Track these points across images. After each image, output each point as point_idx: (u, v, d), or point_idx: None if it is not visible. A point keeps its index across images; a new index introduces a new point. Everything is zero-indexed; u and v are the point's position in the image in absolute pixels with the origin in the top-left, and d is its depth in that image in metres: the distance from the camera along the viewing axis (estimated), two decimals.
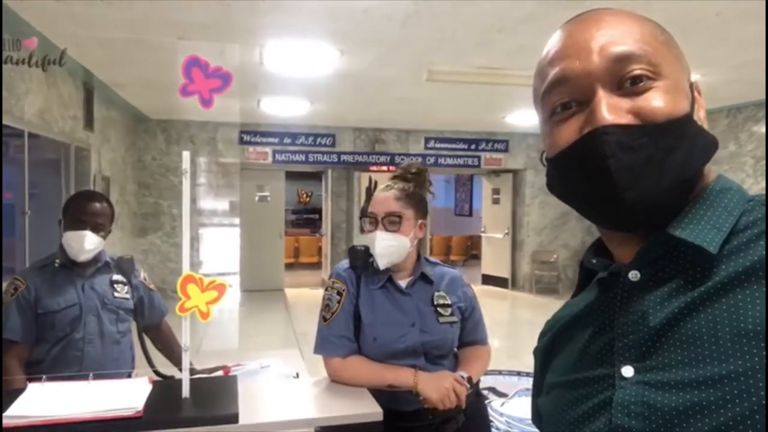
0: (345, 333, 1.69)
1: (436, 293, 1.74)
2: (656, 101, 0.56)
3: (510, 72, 4.93)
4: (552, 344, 0.68)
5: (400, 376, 1.61)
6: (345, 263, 1.82)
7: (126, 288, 2.21)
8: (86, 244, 2.04)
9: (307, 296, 8.77)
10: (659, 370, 0.51)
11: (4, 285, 2.08)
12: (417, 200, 1.73)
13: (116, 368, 2.05)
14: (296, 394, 1.66)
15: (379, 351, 1.67)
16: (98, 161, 5.83)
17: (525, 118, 7.51)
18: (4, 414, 1.30)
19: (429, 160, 8.86)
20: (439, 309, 1.72)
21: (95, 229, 2.07)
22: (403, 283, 1.75)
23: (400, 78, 5.28)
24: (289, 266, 10.58)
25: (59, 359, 2.00)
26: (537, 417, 0.71)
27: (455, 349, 1.77)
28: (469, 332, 1.78)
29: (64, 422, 1.28)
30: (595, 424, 0.55)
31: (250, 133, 8.23)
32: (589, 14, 0.62)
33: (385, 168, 8.66)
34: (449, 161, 9.00)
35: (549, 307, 7.81)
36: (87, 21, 3.73)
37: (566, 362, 0.64)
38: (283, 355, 2.79)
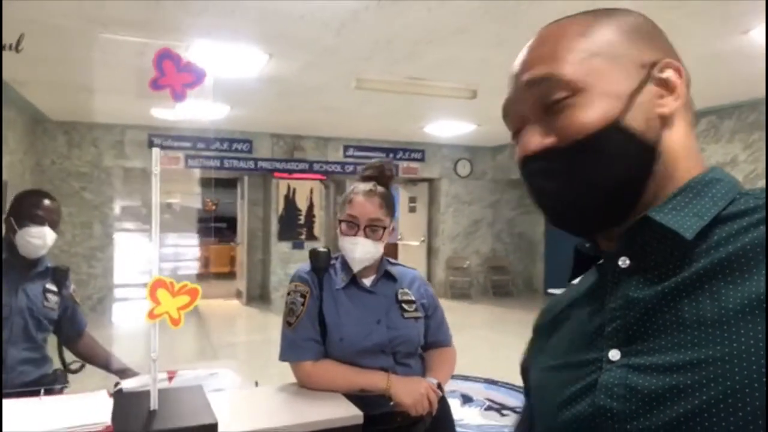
0: (312, 336, 1.67)
1: (400, 290, 1.76)
2: (573, 118, 0.57)
3: (435, 83, 5.07)
4: (552, 324, 0.69)
5: (373, 379, 1.61)
6: (306, 266, 1.79)
7: (56, 299, 2.14)
8: (48, 239, 1.98)
9: (221, 307, 8.47)
10: (644, 353, 0.53)
11: None
12: (392, 204, 1.74)
13: (35, 371, 2.05)
14: (269, 402, 1.60)
15: (346, 351, 1.65)
16: None
17: (442, 128, 7.74)
18: None
19: (348, 168, 8.90)
20: (403, 305, 1.74)
21: (52, 225, 2.01)
22: (367, 281, 1.75)
23: (328, 85, 5.26)
24: (199, 276, 10.17)
25: None
26: (527, 392, 0.73)
27: (421, 350, 1.79)
28: (434, 332, 1.81)
29: None
30: (580, 405, 0.56)
31: (161, 137, 7.83)
32: (537, 34, 0.64)
33: (304, 175, 8.58)
34: (359, 171, 9.05)
35: (462, 311, 8.06)
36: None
37: (559, 345, 0.65)
38: (209, 367, 2.66)
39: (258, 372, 2.51)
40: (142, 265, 9.29)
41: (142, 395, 1.42)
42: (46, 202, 2.09)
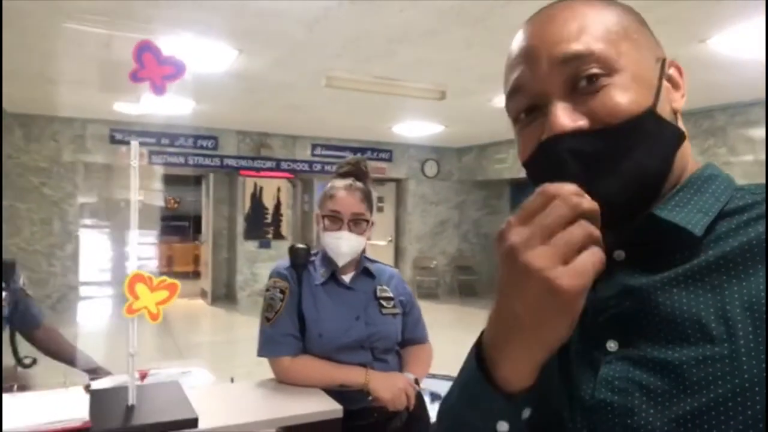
0: (291, 331, 1.67)
1: (379, 287, 1.79)
2: (611, 100, 0.55)
3: (405, 84, 5.11)
4: None
5: (351, 375, 1.62)
6: (284, 262, 1.79)
7: (3, 294, 2.05)
8: None
9: (185, 307, 8.32)
10: (642, 346, 0.52)
11: None
12: (371, 200, 1.76)
13: None
14: (248, 397, 1.60)
15: (325, 347, 1.66)
16: None
17: (410, 129, 7.79)
18: None
19: (315, 167, 8.86)
20: (381, 301, 1.76)
21: None
22: (346, 278, 1.76)
23: (297, 82, 5.24)
24: (162, 275, 9.95)
25: None
26: None
27: (398, 347, 1.81)
28: (411, 329, 1.84)
29: None
30: (579, 396, 0.55)
31: (123, 132, 7.65)
32: (544, 11, 0.61)
33: (270, 173, 8.51)
34: (335, 168, 9.03)
35: (429, 310, 8.10)
36: None
37: None
38: (179, 366, 2.63)
39: (226, 372, 2.48)
40: (101, 263, 9.08)
41: (119, 391, 1.41)
42: None
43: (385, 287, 1.79)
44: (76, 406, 1.29)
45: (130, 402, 1.35)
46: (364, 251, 1.81)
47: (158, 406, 1.37)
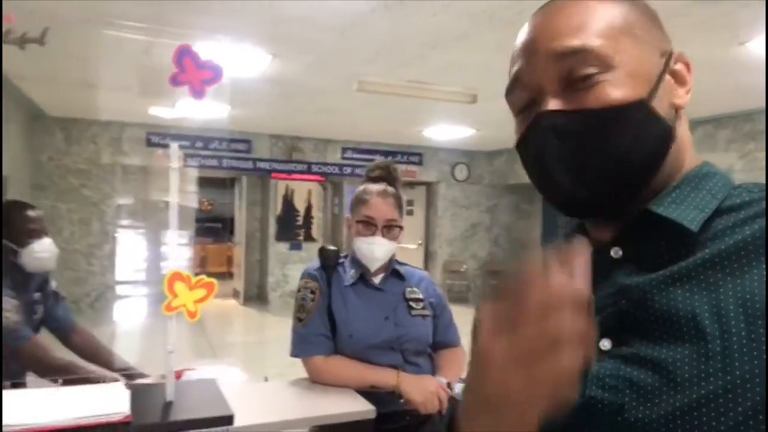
0: (323, 331, 1.69)
1: (408, 288, 1.80)
2: (603, 95, 0.55)
3: (436, 87, 5.11)
4: None
5: (383, 376, 1.64)
6: (315, 263, 1.82)
7: (41, 308, 2.13)
8: (53, 249, 1.99)
9: (218, 307, 8.46)
10: (637, 343, 0.51)
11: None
12: (402, 205, 1.78)
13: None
14: (281, 395, 1.63)
15: (355, 347, 1.68)
16: None
17: (441, 132, 7.78)
18: None
19: (346, 170, 8.92)
20: (411, 303, 1.77)
21: (47, 234, 2.01)
22: (376, 279, 1.78)
23: (329, 87, 5.29)
24: (197, 276, 10.14)
25: None
26: None
27: (429, 350, 1.82)
28: (442, 332, 1.84)
29: (50, 430, 1.19)
30: None
31: (159, 135, 7.83)
32: (553, 3, 0.61)
33: (302, 176, 8.60)
34: (365, 172, 9.07)
35: (460, 314, 8.05)
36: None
37: None
38: (212, 364, 2.68)
39: (258, 372, 2.52)
40: (137, 263, 9.30)
41: (158, 387, 1.45)
42: (33, 213, 2.04)
43: (414, 289, 1.80)
44: (116, 400, 1.33)
45: (168, 398, 1.39)
46: (393, 255, 1.83)
47: (195, 403, 1.41)
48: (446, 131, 7.70)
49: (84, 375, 2.06)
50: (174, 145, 1.41)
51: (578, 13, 0.57)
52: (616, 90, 0.54)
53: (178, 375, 1.94)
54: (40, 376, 1.96)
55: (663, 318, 0.51)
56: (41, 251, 1.97)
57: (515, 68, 0.60)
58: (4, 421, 1.19)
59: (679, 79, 0.60)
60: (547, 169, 0.58)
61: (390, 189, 1.75)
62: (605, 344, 0.54)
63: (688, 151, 0.60)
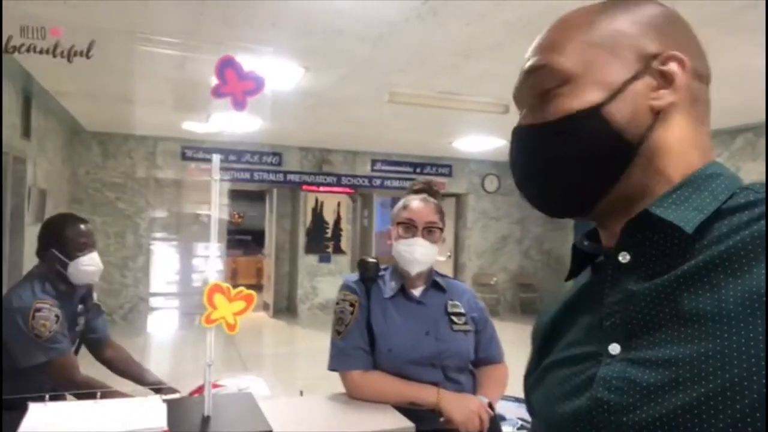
0: (361, 345, 1.66)
1: (450, 302, 1.75)
2: (559, 106, 0.59)
3: (468, 98, 5.07)
4: (552, 330, 0.67)
5: (423, 393, 1.59)
6: (354, 276, 1.79)
7: (83, 319, 2.16)
8: (99, 263, 2.04)
9: (248, 319, 8.48)
10: (644, 347, 0.52)
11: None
12: (443, 214, 1.75)
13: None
14: (319, 410, 1.59)
15: (394, 362, 1.64)
16: (34, 173, 5.45)
17: (471, 143, 7.72)
18: None
19: (375, 182, 8.92)
20: (452, 317, 1.72)
21: (95, 247, 2.06)
22: (416, 292, 1.74)
23: (360, 98, 5.30)
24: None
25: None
26: (530, 403, 0.71)
27: (471, 367, 1.76)
28: (484, 348, 1.79)
29: None
30: (579, 399, 0.55)
31: (193, 149, 7.96)
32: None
33: (331, 188, 8.63)
34: (395, 183, 9.08)
35: None
36: (37, 21, 3.51)
37: (559, 344, 0.65)
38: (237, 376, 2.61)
39: (288, 384, 2.49)
40: (169, 276, 9.43)
41: (195, 401, 1.43)
42: (84, 227, 2.09)
43: (456, 302, 1.75)
44: (154, 414, 1.31)
45: (206, 413, 1.36)
46: (432, 265, 1.79)
47: (233, 417, 1.38)
48: (476, 142, 7.63)
49: (156, 383, 2.10)
50: (216, 157, 1.40)
51: (555, 31, 0.62)
52: (573, 100, 0.58)
53: (200, 391, 1.91)
54: (62, 390, 1.97)
55: (669, 322, 0.51)
56: (89, 264, 2.01)
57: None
58: None
59: (667, 79, 0.58)
60: (517, 178, 0.64)
61: (431, 198, 1.75)
62: (614, 349, 0.55)
63: (695, 152, 0.59)
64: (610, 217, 0.61)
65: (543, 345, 0.68)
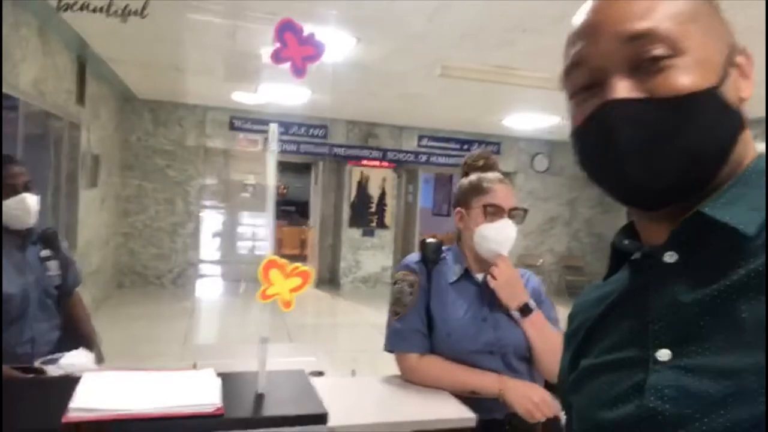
0: (419, 327, 1.60)
1: None
2: (673, 80, 0.53)
3: (525, 73, 4.88)
4: (589, 334, 0.64)
5: (485, 381, 1.52)
6: (415, 256, 1.73)
7: (56, 263, 2.07)
8: (31, 206, 1.90)
9: None
10: (696, 354, 0.49)
11: None
12: None
13: (58, 350, 1.87)
14: (373, 394, 1.55)
15: (453, 348, 1.58)
16: (88, 138, 5.57)
17: (522, 121, 7.50)
18: (70, 406, 1.16)
19: (421, 158, 8.81)
20: None
21: (28, 189, 1.91)
22: (479, 276, 1.67)
23: (411, 72, 5.18)
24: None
25: (16, 343, 1.87)
26: (567, 406, 0.68)
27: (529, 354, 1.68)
28: None
29: (138, 418, 1.15)
30: (626, 407, 0.53)
31: (242, 119, 8.00)
32: None
33: (377, 163, 8.56)
34: (441, 160, 8.94)
35: None
36: None
37: (600, 346, 0.62)
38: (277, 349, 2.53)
39: (332, 356, 2.47)
40: (215, 243, 9.61)
41: (248, 376, 1.40)
42: (16, 168, 1.94)
43: None
44: (208, 390, 1.29)
45: (260, 390, 1.33)
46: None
47: (286, 396, 1.35)
48: (528, 120, 7.41)
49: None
50: (273, 126, 1.34)
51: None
52: (685, 76, 0.53)
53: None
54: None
55: (726, 329, 0.48)
56: (14, 208, 1.88)
57: (576, 49, 0.59)
58: (93, 404, 1.17)
59: (743, 72, 0.58)
60: (615, 159, 0.56)
61: (506, 180, 1.71)
62: (663, 355, 0.52)
63: (749, 146, 0.58)
64: (669, 212, 0.57)
65: (581, 345, 0.65)
